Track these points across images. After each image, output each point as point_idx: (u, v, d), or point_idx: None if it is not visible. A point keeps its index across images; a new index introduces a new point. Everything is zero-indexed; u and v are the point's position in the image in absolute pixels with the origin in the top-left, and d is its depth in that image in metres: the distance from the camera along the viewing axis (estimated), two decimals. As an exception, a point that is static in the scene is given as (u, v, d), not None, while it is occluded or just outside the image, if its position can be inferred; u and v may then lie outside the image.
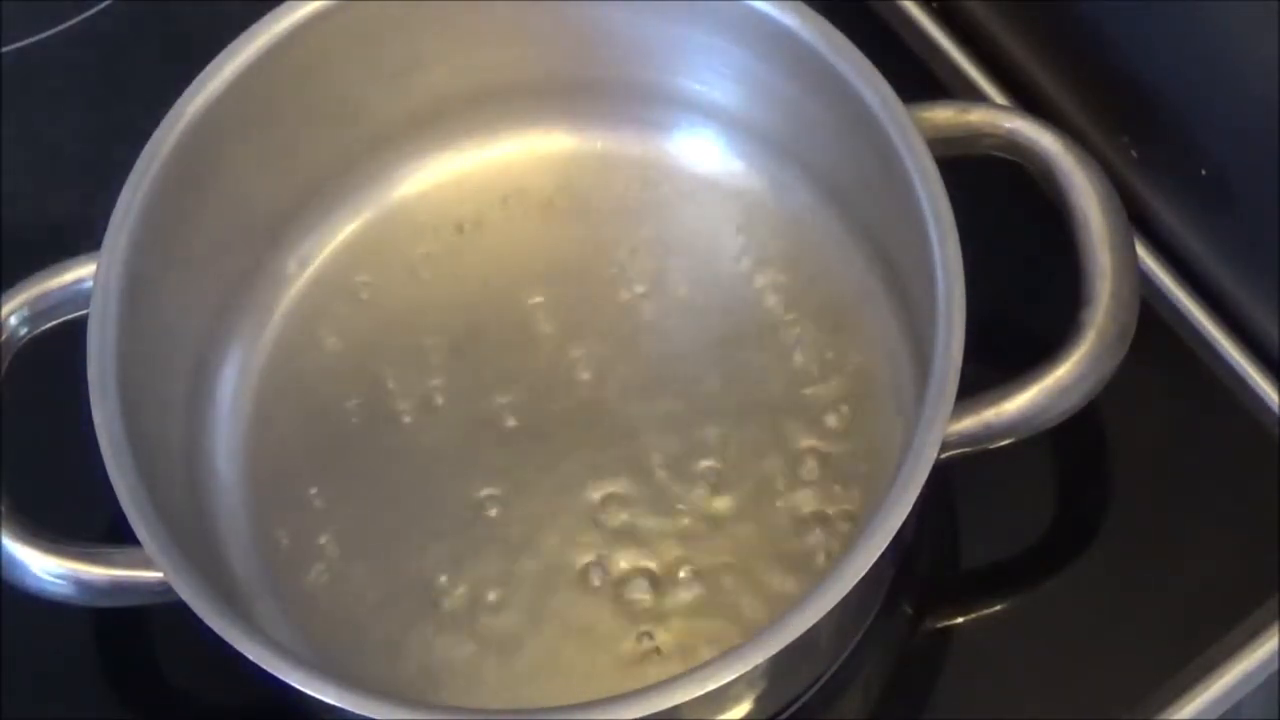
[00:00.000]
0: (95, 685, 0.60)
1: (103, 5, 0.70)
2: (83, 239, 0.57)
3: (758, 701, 0.55)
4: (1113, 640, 0.59)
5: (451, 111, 0.64)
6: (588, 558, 0.59)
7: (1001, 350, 0.57)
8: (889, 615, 0.59)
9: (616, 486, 0.59)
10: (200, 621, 0.51)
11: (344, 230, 0.64)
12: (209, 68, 0.58)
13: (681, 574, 0.58)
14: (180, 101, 0.58)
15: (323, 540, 0.59)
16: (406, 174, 0.65)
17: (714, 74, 0.62)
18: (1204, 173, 0.60)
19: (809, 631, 0.50)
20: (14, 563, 0.54)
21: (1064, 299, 0.55)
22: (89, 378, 0.54)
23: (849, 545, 0.51)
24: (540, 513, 0.59)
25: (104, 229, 0.56)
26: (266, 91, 0.59)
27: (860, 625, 0.58)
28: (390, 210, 0.64)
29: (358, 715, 0.50)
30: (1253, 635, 0.58)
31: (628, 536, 0.59)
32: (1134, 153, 0.63)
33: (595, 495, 0.59)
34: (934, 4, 0.69)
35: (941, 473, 0.52)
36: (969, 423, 0.54)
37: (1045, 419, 0.54)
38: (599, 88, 0.64)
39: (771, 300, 0.62)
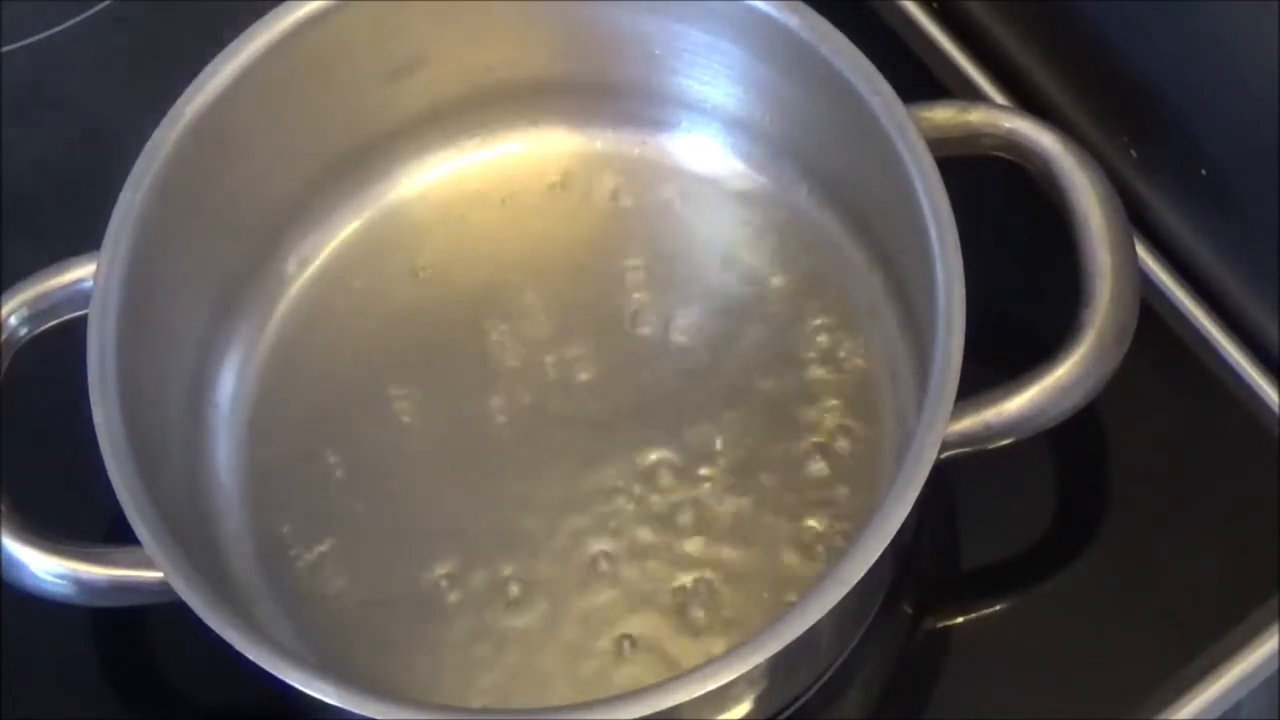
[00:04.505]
0: (95, 685, 0.60)
1: (103, 5, 0.70)
2: (83, 239, 0.57)
3: (758, 701, 0.55)
4: (1113, 640, 0.59)
5: (451, 111, 0.64)
6: (589, 557, 0.58)
7: (1001, 350, 0.57)
8: (889, 615, 0.59)
9: (617, 485, 0.59)
10: (200, 621, 0.51)
11: (344, 230, 0.64)
12: (209, 68, 0.58)
13: (682, 574, 0.58)
14: (180, 101, 0.58)
15: (323, 540, 0.59)
16: (406, 174, 0.65)
17: (714, 74, 0.62)
18: (1204, 173, 0.60)
19: (809, 632, 0.50)
20: (14, 563, 0.54)
21: (1064, 299, 0.55)
22: (89, 378, 0.54)
23: (849, 545, 0.51)
24: (541, 513, 0.59)
25: (104, 229, 0.56)
26: (266, 92, 0.59)
27: (860, 625, 0.58)
28: (390, 210, 0.64)
29: (358, 715, 0.50)
30: (1253, 635, 0.58)
31: (629, 536, 0.59)
32: (1134, 153, 0.63)
33: (596, 495, 0.59)
34: (934, 4, 0.69)
35: (941, 473, 0.52)
36: (969, 423, 0.54)
37: (1045, 419, 0.54)
38: (599, 88, 0.64)
39: (770, 300, 0.62)
